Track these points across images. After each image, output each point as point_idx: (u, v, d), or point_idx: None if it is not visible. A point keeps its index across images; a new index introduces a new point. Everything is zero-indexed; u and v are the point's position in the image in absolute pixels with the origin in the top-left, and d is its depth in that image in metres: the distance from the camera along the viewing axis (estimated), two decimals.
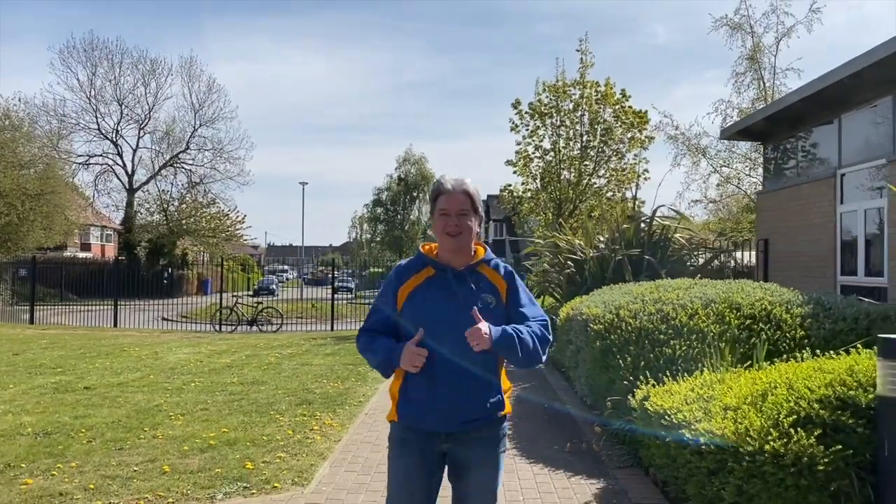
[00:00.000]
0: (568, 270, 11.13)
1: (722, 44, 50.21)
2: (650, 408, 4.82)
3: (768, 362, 5.18)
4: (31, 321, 22.06)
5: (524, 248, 21.54)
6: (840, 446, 3.59)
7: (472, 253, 2.88)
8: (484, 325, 2.61)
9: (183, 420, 6.95)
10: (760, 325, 6.10)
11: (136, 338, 16.31)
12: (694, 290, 6.92)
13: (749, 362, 5.38)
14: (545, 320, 2.86)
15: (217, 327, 20.59)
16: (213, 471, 5.24)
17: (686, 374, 5.38)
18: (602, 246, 11.48)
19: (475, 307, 2.69)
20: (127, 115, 47.62)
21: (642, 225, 11.55)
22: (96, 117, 46.66)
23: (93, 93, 46.17)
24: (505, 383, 2.85)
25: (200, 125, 48.72)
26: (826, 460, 3.56)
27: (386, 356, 2.74)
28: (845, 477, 3.58)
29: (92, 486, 4.85)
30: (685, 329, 6.10)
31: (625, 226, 11.67)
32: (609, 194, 22.36)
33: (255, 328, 20.83)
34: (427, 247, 2.96)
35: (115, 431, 6.45)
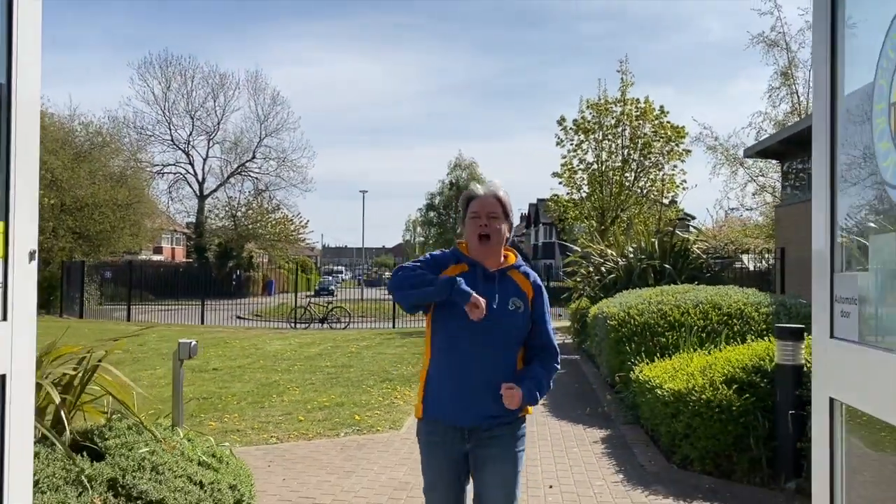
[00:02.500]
0: (598, 277, 13.17)
1: (759, 59, 50.92)
2: (641, 377, 6.90)
3: (728, 346, 7.19)
4: (129, 318, 24.89)
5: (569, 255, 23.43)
6: (748, 395, 5.61)
7: (503, 258, 2.99)
8: (518, 390, 2.77)
9: (299, 390, 9.26)
10: (734, 320, 8.08)
11: (228, 333, 18.86)
12: (689, 294, 8.91)
13: (715, 346, 7.39)
14: (556, 354, 3.01)
15: (293, 324, 23.10)
16: (334, 420, 7.49)
17: (672, 356, 7.42)
18: (631, 256, 13.45)
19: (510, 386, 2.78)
20: (198, 126, 51.01)
21: (665, 238, 13.49)
22: (170, 129, 50.12)
23: (167, 106, 49.70)
24: None
25: (266, 135, 51.83)
26: (739, 404, 5.58)
27: (447, 281, 2.78)
28: (752, 415, 5.59)
29: (256, 427, 7.14)
30: (677, 323, 8.14)
31: (652, 239, 13.64)
32: (652, 198, 24.12)
33: (325, 325, 23.25)
34: (463, 244, 3.02)
35: (252, 397, 8.78)
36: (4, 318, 2.19)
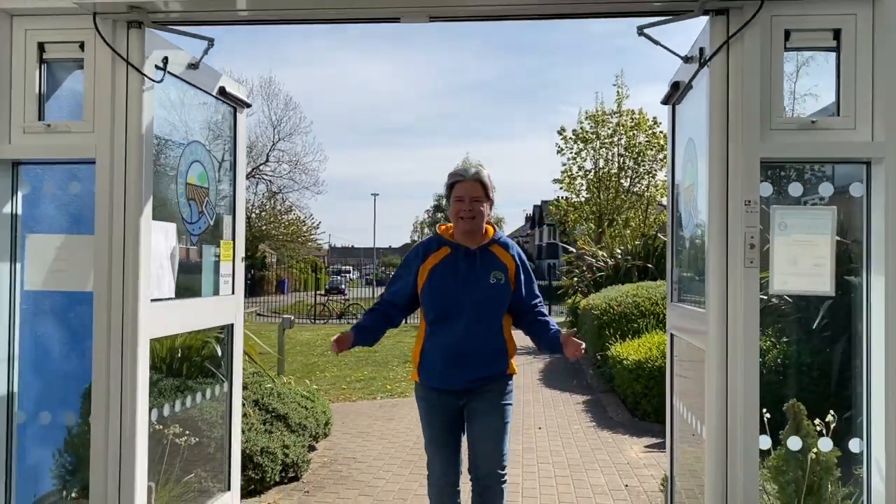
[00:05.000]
0: (589, 275, 15.03)
1: None
2: (614, 354, 8.77)
3: None
4: None
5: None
6: None
7: (484, 233, 3.21)
8: (580, 348, 3.08)
9: (336, 369, 11.14)
10: None
11: (257, 327, 20.73)
12: (661, 289, 10.76)
13: None
14: (542, 300, 3.38)
15: (313, 319, 24.99)
16: (370, 388, 9.37)
17: (640, 337, 9.28)
18: (619, 256, 15.30)
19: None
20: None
21: (649, 241, 15.34)
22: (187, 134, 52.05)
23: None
24: (511, 349, 3.27)
25: (279, 139, 53.74)
26: None
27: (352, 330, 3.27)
28: None
29: (316, 388, 9.01)
30: (647, 312, 10.01)
31: (637, 242, 15.49)
32: (646, 203, 25.91)
33: (343, 320, 25.13)
34: (443, 227, 3.28)
35: (301, 372, 10.66)
36: (233, 293, 4.09)
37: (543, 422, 7.54)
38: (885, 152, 2.82)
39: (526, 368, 11.29)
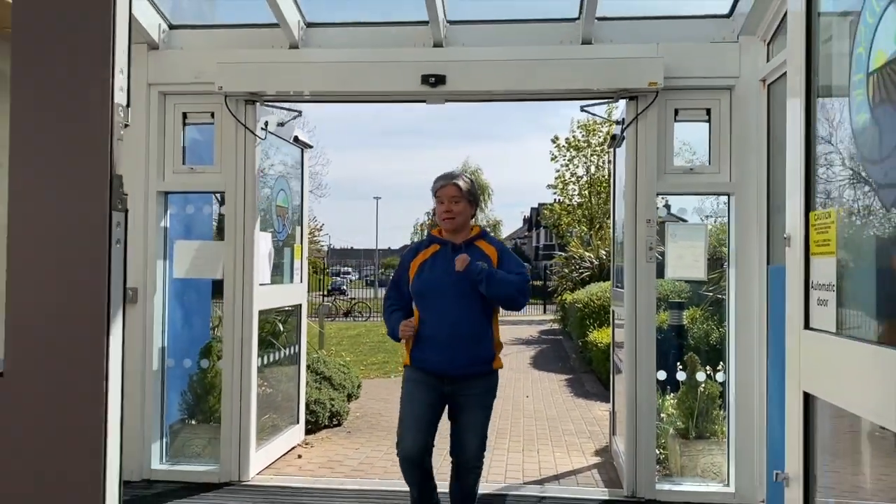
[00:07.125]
0: (576, 275, 16.67)
1: None
2: (591, 339, 10.40)
3: None
4: None
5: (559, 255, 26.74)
6: None
7: (469, 231, 3.57)
8: (467, 256, 3.34)
9: (353, 355, 12.73)
10: (661, 301, 11.55)
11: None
12: None
13: None
14: (523, 274, 3.47)
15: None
16: (385, 369, 11.00)
17: None
18: (604, 257, 16.92)
19: (463, 253, 3.37)
20: None
21: None
22: None
23: None
24: (497, 344, 3.52)
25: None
26: None
27: (392, 330, 3.57)
28: None
29: (349, 359, 10.64)
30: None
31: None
32: None
33: (350, 318, 26.72)
34: (436, 230, 3.66)
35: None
36: (301, 281, 5.70)
37: (531, 392, 9.16)
38: (736, 189, 4.44)
39: (518, 356, 12.91)
